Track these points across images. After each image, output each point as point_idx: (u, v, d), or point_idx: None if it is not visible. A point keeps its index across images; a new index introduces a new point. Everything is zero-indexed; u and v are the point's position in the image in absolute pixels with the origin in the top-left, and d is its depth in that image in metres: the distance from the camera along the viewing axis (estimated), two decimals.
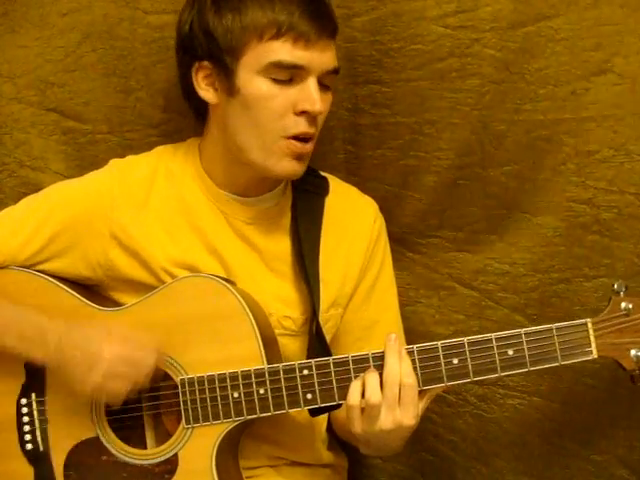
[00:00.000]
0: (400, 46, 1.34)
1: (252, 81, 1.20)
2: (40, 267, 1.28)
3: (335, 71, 1.23)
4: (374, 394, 1.14)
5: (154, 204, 1.28)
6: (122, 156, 1.33)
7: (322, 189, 1.33)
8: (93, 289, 1.30)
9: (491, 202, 1.39)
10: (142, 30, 1.41)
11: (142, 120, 1.44)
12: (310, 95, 1.19)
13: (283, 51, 1.18)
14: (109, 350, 1.17)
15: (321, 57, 1.20)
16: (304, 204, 1.31)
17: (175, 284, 1.23)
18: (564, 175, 1.35)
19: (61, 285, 1.26)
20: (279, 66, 1.19)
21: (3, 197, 1.45)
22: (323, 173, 1.36)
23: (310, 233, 1.30)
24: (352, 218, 1.34)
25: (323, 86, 1.22)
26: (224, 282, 1.22)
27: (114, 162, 1.32)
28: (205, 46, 1.22)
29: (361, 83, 1.38)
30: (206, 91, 1.24)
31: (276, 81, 1.19)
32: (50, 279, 1.27)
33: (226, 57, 1.20)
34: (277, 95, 1.19)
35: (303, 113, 1.20)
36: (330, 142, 1.42)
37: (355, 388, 1.16)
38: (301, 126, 1.21)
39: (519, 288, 1.40)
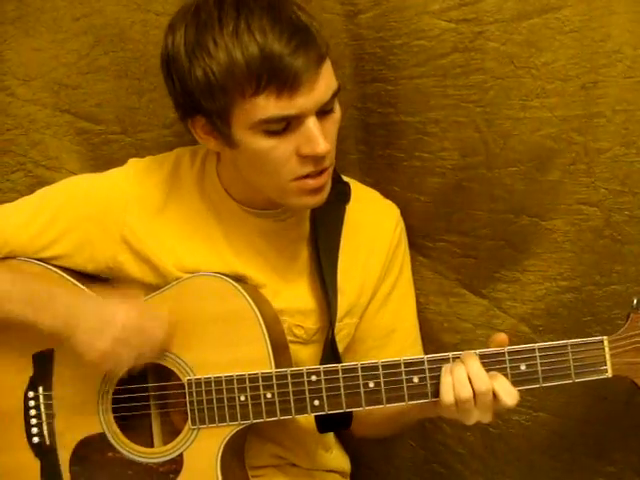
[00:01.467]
0: (403, 42, 1.30)
1: (247, 137, 1.12)
2: (46, 262, 1.28)
3: (335, 94, 1.13)
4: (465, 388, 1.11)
5: (170, 211, 1.27)
6: (135, 156, 1.34)
7: (343, 195, 1.29)
8: (104, 281, 1.30)
9: (497, 205, 1.33)
10: (154, 32, 1.41)
11: (155, 120, 1.45)
12: (311, 139, 1.11)
13: (269, 107, 1.08)
14: (123, 315, 1.16)
15: (313, 96, 1.09)
16: (324, 212, 1.26)
17: (185, 283, 1.23)
18: (573, 176, 1.29)
19: (69, 278, 1.27)
20: (269, 122, 1.10)
21: (18, 196, 1.44)
22: (345, 178, 1.32)
23: (329, 242, 1.26)
24: (373, 225, 1.30)
25: (325, 112, 1.13)
26: (234, 282, 1.21)
27: (133, 162, 1.31)
28: (191, 104, 1.13)
29: (368, 81, 1.35)
30: (206, 140, 1.18)
31: (272, 133, 1.11)
32: (58, 271, 1.27)
33: (215, 118, 1.13)
34: (276, 146, 1.12)
35: (308, 156, 1.12)
36: (342, 142, 1.36)
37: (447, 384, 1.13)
38: (309, 167, 1.14)
39: (527, 297, 1.35)
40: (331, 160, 1.17)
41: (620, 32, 1.22)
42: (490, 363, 1.12)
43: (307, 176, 1.15)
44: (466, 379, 1.11)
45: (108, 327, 1.16)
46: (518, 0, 1.25)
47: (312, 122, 1.11)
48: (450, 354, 1.13)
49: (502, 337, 1.14)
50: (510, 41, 1.26)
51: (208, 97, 1.11)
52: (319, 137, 1.11)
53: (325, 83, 1.11)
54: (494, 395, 1.11)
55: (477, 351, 1.13)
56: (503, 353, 1.12)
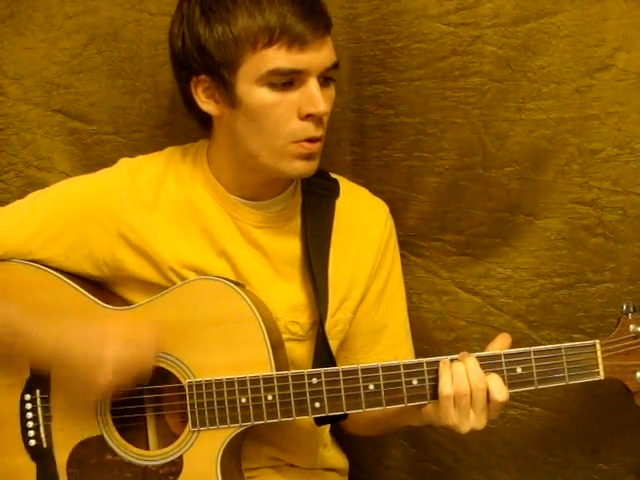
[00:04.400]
0: (403, 45, 1.33)
1: (252, 91, 1.18)
2: (44, 264, 1.27)
3: (335, 66, 1.21)
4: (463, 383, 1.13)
5: (163, 206, 1.27)
6: (128, 157, 1.33)
7: (332, 191, 1.32)
8: (99, 285, 1.30)
9: (493, 204, 1.36)
10: (148, 32, 1.42)
11: (148, 121, 1.45)
12: (312, 97, 1.17)
13: (279, 58, 1.16)
14: (112, 351, 1.17)
15: (318, 56, 1.17)
16: (314, 207, 1.29)
17: (185, 286, 1.23)
18: (567, 176, 1.32)
19: (67, 280, 1.26)
20: (277, 73, 1.16)
21: (10, 197, 1.46)
22: (333, 175, 1.34)
23: (320, 236, 1.28)
24: (363, 221, 1.33)
25: (325, 81, 1.20)
26: (234, 286, 1.21)
27: (124, 161, 1.32)
28: (200, 61, 1.19)
29: (366, 84, 1.37)
30: (207, 104, 1.22)
31: (276, 88, 1.17)
32: (56, 273, 1.26)
33: (223, 71, 1.18)
34: (279, 102, 1.17)
35: (308, 116, 1.18)
36: (337, 143, 1.41)
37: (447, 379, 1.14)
38: (309, 130, 1.19)
39: (521, 294, 1.38)
40: (324, 131, 1.22)
41: (614, 37, 1.26)
42: (487, 365, 1.14)
43: (304, 139, 1.19)
44: (464, 373, 1.13)
45: (100, 366, 1.16)
46: (515, 5, 1.28)
47: (314, 83, 1.18)
48: (448, 357, 1.15)
49: (505, 337, 1.18)
50: (507, 45, 1.29)
51: (221, 50, 1.17)
52: (320, 97, 1.18)
53: (329, 50, 1.20)
54: (487, 393, 1.13)
55: (475, 354, 1.15)
56: (500, 355, 1.15)
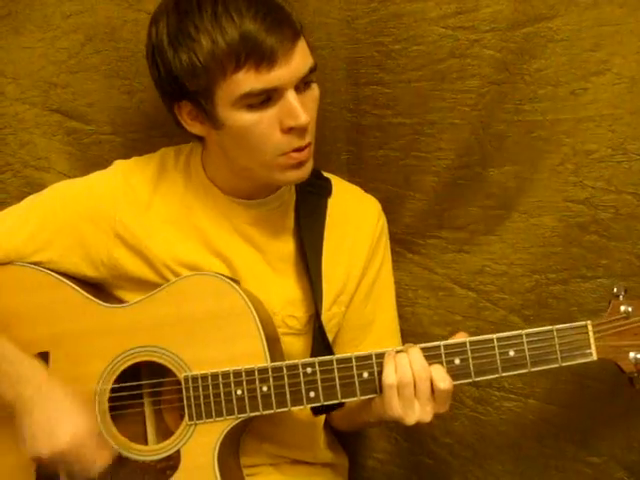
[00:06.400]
0: (401, 47, 1.34)
1: (231, 114, 1.17)
2: (43, 266, 1.29)
3: (312, 70, 1.18)
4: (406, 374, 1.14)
5: (157, 206, 1.29)
6: (126, 156, 1.34)
7: (325, 190, 1.34)
8: (97, 286, 1.31)
9: (490, 202, 1.39)
10: (146, 31, 1.38)
11: (145, 121, 1.46)
12: (292, 110, 1.16)
13: (249, 81, 1.14)
14: (69, 443, 1.17)
15: (290, 69, 1.15)
16: (307, 205, 1.31)
17: (180, 282, 1.24)
18: (562, 175, 1.35)
19: (65, 281, 1.27)
20: (250, 95, 1.15)
21: (7, 197, 1.47)
22: (326, 174, 1.36)
23: (313, 233, 1.30)
24: (355, 218, 1.35)
25: (305, 85, 1.18)
26: (229, 281, 1.23)
27: (118, 163, 1.33)
28: (177, 89, 1.18)
29: (363, 84, 1.39)
30: (193, 126, 1.22)
31: (254, 107, 1.16)
32: (54, 275, 1.28)
33: (199, 98, 1.18)
34: (259, 121, 1.16)
35: (291, 129, 1.17)
36: (333, 143, 1.43)
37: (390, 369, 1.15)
38: (294, 142, 1.18)
39: (516, 289, 1.40)
40: (312, 136, 1.21)
41: (609, 42, 1.29)
42: (479, 349, 1.16)
43: (292, 150, 1.19)
44: (407, 364, 1.15)
45: (50, 446, 1.17)
46: (513, 10, 1.30)
47: (291, 95, 1.16)
48: (442, 342, 1.16)
49: (463, 335, 1.19)
50: (505, 48, 1.31)
51: (192, 79, 1.16)
52: (299, 108, 1.16)
53: (301, 58, 1.17)
54: (431, 383, 1.14)
55: (467, 339, 1.16)
56: (492, 340, 1.16)
